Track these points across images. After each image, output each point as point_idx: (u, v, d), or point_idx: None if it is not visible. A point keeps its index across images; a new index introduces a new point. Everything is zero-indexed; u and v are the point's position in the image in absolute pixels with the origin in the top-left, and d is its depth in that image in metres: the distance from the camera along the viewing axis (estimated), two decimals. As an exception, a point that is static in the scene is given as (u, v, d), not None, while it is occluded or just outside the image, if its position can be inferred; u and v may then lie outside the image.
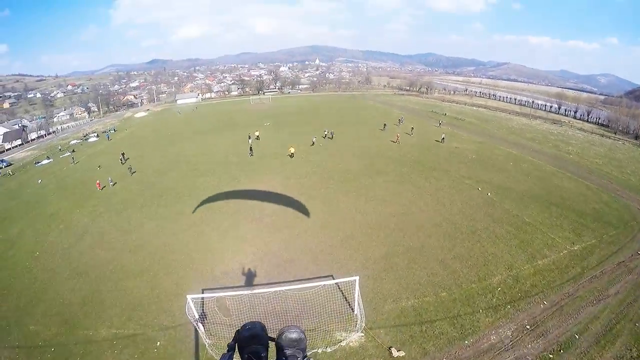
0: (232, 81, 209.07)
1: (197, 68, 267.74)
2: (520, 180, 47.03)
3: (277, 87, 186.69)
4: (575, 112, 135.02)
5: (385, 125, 72.87)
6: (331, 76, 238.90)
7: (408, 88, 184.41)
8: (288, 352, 2.08)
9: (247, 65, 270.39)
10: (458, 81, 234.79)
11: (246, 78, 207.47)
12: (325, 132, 62.42)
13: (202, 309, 20.83)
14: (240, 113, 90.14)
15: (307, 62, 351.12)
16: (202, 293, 22.03)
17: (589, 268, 27.37)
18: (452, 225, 32.33)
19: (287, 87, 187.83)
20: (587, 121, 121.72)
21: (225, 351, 2.22)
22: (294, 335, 2.13)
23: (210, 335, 19.04)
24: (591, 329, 20.88)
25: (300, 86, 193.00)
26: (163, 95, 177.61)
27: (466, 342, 19.75)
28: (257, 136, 61.65)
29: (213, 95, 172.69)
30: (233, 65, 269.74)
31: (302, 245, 29.15)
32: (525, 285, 24.53)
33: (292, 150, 50.28)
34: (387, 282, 24.23)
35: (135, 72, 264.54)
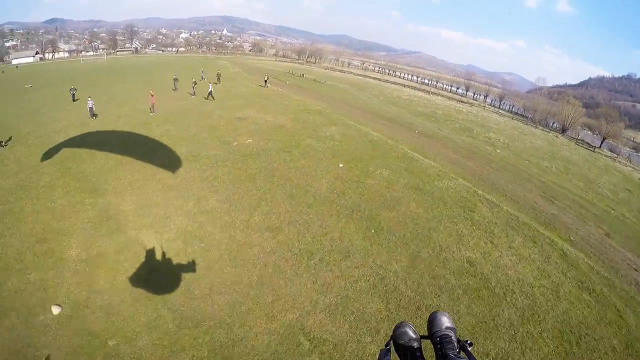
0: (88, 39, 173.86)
1: (94, 30, 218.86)
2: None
3: (133, 48, 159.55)
4: (486, 97, 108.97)
5: (175, 80, 40.00)
6: (229, 44, 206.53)
7: (297, 57, 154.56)
8: (440, 332, 2.12)
9: (148, 30, 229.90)
10: (357, 58, 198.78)
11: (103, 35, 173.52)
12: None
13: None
14: (45, 73, 61.82)
15: (213, 32, 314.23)
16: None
17: None
18: None
19: (148, 47, 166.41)
20: (500, 108, 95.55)
21: (384, 347, 2.20)
22: (443, 317, 2.19)
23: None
24: None
25: (173, 48, 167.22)
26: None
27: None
28: None
29: (64, 55, 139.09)
30: (135, 29, 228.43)
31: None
32: None
33: None
34: None
35: (22, 31, 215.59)
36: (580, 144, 55.39)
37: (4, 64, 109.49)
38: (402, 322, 2.22)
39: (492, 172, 22.99)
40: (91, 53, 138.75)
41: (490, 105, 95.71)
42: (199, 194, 15.45)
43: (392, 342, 2.15)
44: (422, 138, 28.58)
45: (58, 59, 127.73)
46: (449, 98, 78.21)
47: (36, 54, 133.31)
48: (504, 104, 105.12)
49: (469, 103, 77.17)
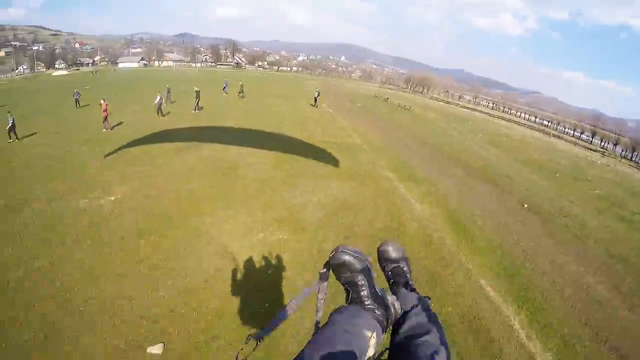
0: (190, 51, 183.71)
1: (219, 45, 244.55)
2: None
3: (234, 62, 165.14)
4: (615, 146, 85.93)
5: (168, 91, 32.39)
6: (341, 70, 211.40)
7: (405, 86, 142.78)
8: (392, 265, 1.74)
9: (269, 51, 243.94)
10: (469, 92, 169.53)
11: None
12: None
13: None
14: (123, 79, 60.61)
15: (331, 57, 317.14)
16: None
17: None
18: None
19: (250, 64, 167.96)
20: (632, 160, 73.41)
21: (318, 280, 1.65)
22: (391, 247, 1.77)
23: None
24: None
25: (274, 67, 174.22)
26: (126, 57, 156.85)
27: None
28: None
29: (171, 63, 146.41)
30: (256, 48, 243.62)
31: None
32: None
33: None
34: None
35: (150, 41, 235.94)
36: None
37: (112, 65, 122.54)
38: (342, 245, 1.52)
39: None
40: (195, 64, 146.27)
41: (623, 156, 73.74)
42: None
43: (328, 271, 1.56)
44: (533, 224, 14.20)
45: (163, 66, 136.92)
46: (574, 143, 59.75)
47: (141, 59, 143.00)
48: (637, 155, 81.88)
49: (598, 151, 58.15)
